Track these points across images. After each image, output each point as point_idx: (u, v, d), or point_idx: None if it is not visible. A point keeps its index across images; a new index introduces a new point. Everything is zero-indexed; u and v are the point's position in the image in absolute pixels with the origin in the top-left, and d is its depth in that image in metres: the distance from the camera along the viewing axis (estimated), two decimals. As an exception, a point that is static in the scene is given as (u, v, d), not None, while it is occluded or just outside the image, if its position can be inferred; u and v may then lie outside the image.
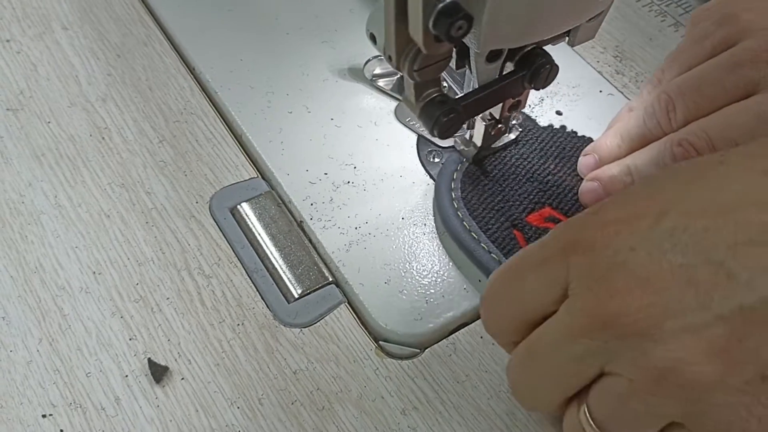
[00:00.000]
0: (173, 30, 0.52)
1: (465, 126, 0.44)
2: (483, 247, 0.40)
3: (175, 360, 0.38)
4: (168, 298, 0.40)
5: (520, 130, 0.45)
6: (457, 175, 0.43)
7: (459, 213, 0.41)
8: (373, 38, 0.34)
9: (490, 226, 0.41)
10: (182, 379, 0.38)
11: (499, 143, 0.45)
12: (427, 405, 0.38)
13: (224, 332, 0.39)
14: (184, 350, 0.39)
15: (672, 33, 0.54)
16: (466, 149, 0.44)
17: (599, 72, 0.52)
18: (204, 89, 0.50)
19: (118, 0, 0.54)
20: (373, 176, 0.46)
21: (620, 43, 0.54)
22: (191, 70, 0.51)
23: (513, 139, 0.45)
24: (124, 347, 0.39)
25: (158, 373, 0.38)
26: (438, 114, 0.35)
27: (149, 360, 0.38)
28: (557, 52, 0.40)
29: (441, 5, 0.29)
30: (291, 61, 0.51)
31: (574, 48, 0.51)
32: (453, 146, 0.46)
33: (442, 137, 0.36)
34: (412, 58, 0.33)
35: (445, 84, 0.48)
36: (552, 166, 0.44)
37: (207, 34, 0.52)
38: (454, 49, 0.36)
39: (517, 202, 0.42)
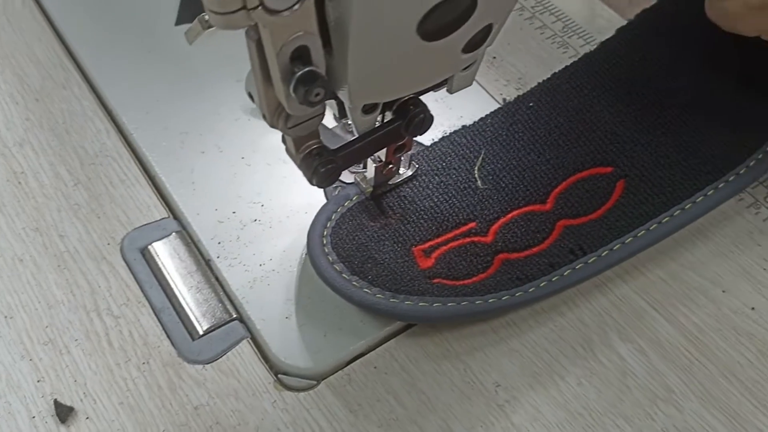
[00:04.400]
0: (92, 72, 0.54)
1: (361, 166, 0.46)
2: (354, 285, 0.42)
3: (81, 400, 0.40)
4: (76, 340, 0.42)
5: (417, 166, 0.47)
6: (337, 214, 0.45)
7: (325, 249, 0.43)
8: (251, 97, 0.36)
9: (366, 267, 0.43)
10: (87, 418, 0.40)
11: (397, 179, 0.47)
12: (320, 435, 0.40)
13: (129, 371, 0.42)
14: (90, 390, 0.41)
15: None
16: (364, 186, 0.46)
17: (502, 104, 0.54)
18: (120, 131, 0.52)
19: (39, 43, 0.56)
20: (279, 214, 0.48)
21: (523, 75, 0.56)
22: (108, 112, 0.53)
23: (411, 175, 0.47)
24: (32, 389, 0.41)
25: (63, 413, 0.40)
26: (316, 165, 0.37)
27: (55, 401, 0.40)
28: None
29: (299, 73, 0.31)
30: (205, 101, 0.53)
31: (477, 80, 0.53)
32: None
33: (321, 186, 0.38)
34: (285, 117, 0.35)
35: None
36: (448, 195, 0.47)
37: (125, 75, 0.54)
38: (335, 102, 0.39)
39: (413, 233, 0.45)
